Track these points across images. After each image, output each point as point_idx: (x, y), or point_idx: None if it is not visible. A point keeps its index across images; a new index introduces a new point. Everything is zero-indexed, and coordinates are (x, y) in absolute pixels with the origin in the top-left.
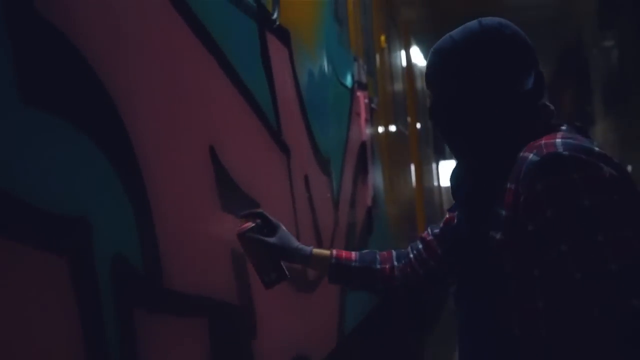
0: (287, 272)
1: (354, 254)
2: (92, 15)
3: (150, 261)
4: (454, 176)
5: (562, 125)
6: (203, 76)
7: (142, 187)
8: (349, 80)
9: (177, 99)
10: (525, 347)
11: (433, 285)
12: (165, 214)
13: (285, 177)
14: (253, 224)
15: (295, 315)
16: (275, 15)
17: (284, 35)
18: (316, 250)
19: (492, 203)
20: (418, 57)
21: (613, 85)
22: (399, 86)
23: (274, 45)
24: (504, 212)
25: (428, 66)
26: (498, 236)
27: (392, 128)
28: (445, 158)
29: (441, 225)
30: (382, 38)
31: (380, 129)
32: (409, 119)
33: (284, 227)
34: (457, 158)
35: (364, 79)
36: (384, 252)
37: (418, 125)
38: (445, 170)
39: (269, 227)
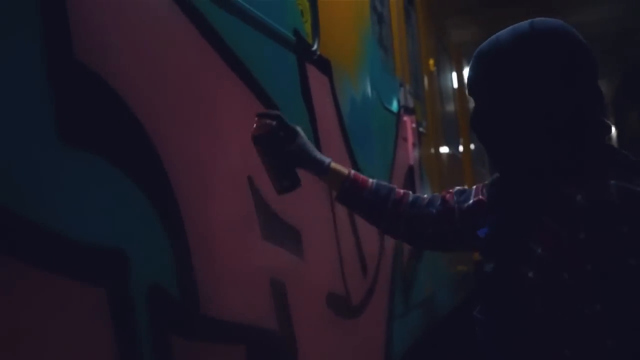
0: (298, 179)
1: (370, 182)
2: (131, 59)
3: (187, 290)
4: (492, 190)
5: (616, 156)
6: (240, 109)
7: (179, 218)
8: (394, 106)
9: (214, 133)
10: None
11: (435, 246)
12: (202, 244)
13: (327, 203)
14: (269, 126)
15: (337, 341)
16: (315, 47)
17: (324, 65)
18: (334, 165)
19: (525, 236)
20: None
21: None
22: (450, 108)
23: (314, 75)
24: (539, 250)
25: (470, 70)
26: (531, 274)
27: (443, 150)
28: None
29: (471, 201)
30: (431, 62)
31: (430, 152)
32: (461, 140)
33: (302, 133)
34: (498, 170)
35: (410, 103)
36: (401, 192)
37: (472, 146)
38: None
39: (287, 131)
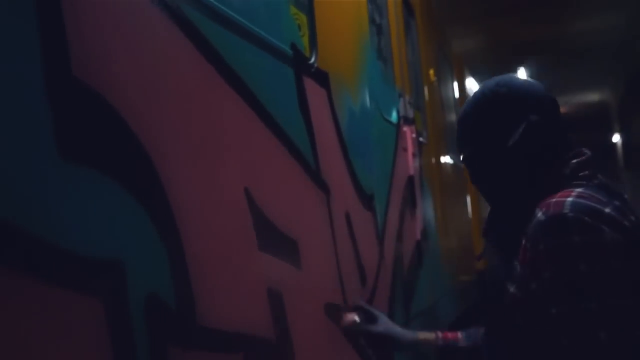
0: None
1: (459, 334)
2: (126, 73)
3: (185, 300)
4: (487, 219)
5: (592, 179)
6: (237, 123)
7: (176, 229)
8: (394, 116)
9: (212, 146)
10: None
11: None
12: (199, 255)
13: (325, 215)
14: (356, 318)
15: (335, 350)
16: (313, 60)
17: (322, 78)
18: (422, 335)
19: (512, 256)
20: (473, 87)
21: None
22: (451, 118)
23: (312, 88)
24: (518, 267)
25: (458, 126)
26: (512, 289)
27: (445, 160)
28: None
29: None
30: (431, 72)
31: (431, 162)
32: None
33: (385, 316)
34: (488, 201)
35: (410, 113)
36: None
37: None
38: None
39: (371, 317)
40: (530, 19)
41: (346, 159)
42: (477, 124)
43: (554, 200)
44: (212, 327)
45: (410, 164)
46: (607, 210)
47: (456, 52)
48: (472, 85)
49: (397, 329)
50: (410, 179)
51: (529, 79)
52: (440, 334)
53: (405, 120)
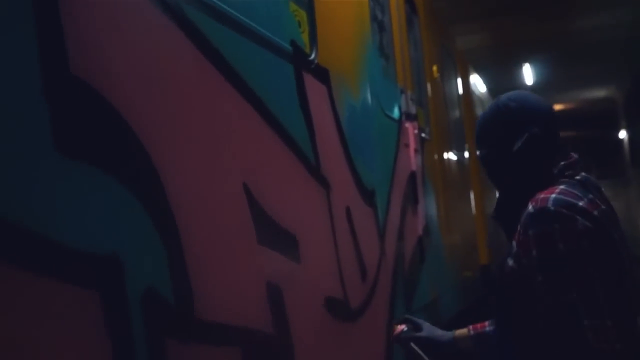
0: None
1: (487, 323)
2: (123, 69)
3: (182, 293)
4: (496, 203)
5: (574, 177)
6: (237, 119)
7: (174, 224)
8: (395, 112)
9: (210, 141)
10: (530, 357)
11: None
12: (197, 249)
13: (325, 209)
14: (404, 327)
15: (336, 344)
16: (313, 56)
17: (322, 75)
18: (457, 332)
19: (512, 238)
20: (478, 84)
21: None
22: (455, 114)
23: (312, 85)
24: (515, 246)
25: (478, 128)
26: (510, 263)
27: (448, 156)
28: None
29: None
30: (435, 68)
31: (434, 158)
32: (467, 146)
33: (427, 323)
34: (498, 190)
35: (413, 110)
36: None
37: (478, 153)
38: None
39: (416, 326)
40: (536, 16)
41: (347, 155)
42: (491, 130)
43: (541, 196)
44: (211, 321)
45: (413, 160)
46: (580, 203)
47: (460, 49)
48: (476, 82)
49: (438, 332)
50: (412, 175)
51: (538, 97)
52: (471, 327)
53: (407, 116)
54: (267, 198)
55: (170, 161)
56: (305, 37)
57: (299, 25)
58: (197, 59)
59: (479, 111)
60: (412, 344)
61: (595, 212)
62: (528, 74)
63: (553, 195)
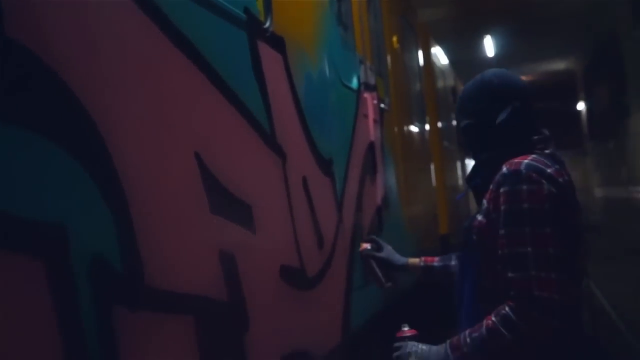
0: (393, 277)
1: (436, 258)
2: (64, 29)
3: (131, 262)
4: (470, 172)
5: (544, 150)
6: (188, 87)
7: (122, 193)
8: (354, 83)
9: (160, 109)
10: (489, 295)
11: None
12: (146, 217)
13: (281, 178)
14: (369, 245)
15: (291, 312)
16: (267, 24)
17: (277, 43)
18: (411, 260)
19: (484, 196)
20: (440, 57)
21: None
22: (416, 86)
23: (267, 53)
24: (485, 204)
25: (459, 101)
26: (479, 218)
27: (408, 128)
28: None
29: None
30: (395, 39)
31: (394, 129)
32: (428, 118)
33: (389, 247)
34: (474, 160)
35: (372, 80)
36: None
37: (439, 124)
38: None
39: (379, 246)
40: None
41: (303, 124)
42: (475, 102)
43: (515, 160)
44: (162, 289)
45: (371, 130)
46: (548, 170)
47: (421, 21)
48: (438, 53)
49: (395, 256)
50: (371, 146)
51: (517, 75)
52: (423, 258)
53: (366, 86)
54: (220, 167)
55: (118, 128)
56: (259, 5)
57: None
58: (146, 26)
59: (441, 83)
60: (372, 261)
61: (560, 180)
62: (489, 45)
63: (526, 161)
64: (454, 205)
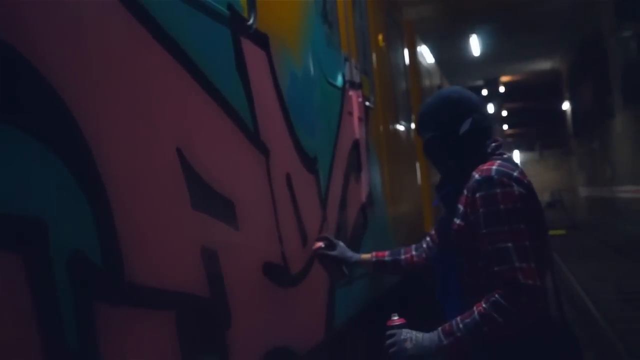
0: (346, 273)
1: (387, 252)
2: (46, 26)
3: (111, 257)
4: (438, 182)
5: (503, 155)
6: (170, 83)
7: (102, 188)
8: (339, 80)
9: (139, 104)
10: (472, 289)
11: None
12: (127, 212)
13: (264, 175)
14: (322, 244)
15: (273, 308)
16: (251, 21)
17: (261, 40)
18: (363, 256)
19: (457, 200)
20: (426, 55)
21: (632, 76)
22: (401, 84)
23: (250, 50)
24: (461, 208)
25: (420, 117)
26: (457, 221)
27: (394, 126)
28: None
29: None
30: (380, 37)
31: (379, 127)
32: (414, 117)
33: (342, 244)
34: (439, 172)
35: (357, 78)
36: (407, 247)
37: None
38: None
39: (332, 244)
40: None
41: (287, 122)
42: (436, 117)
43: (485, 167)
44: (142, 284)
45: (356, 128)
46: (515, 174)
47: (408, 20)
48: (424, 52)
49: (348, 253)
50: (356, 144)
51: (469, 91)
52: (374, 254)
53: (351, 84)
54: (202, 164)
55: (99, 124)
56: (243, 2)
57: None
58: (128, 22)
59: (427, 82)
60: (325, 260)
61: (525, 181)
62: (475, 45)
63: (494, 167)
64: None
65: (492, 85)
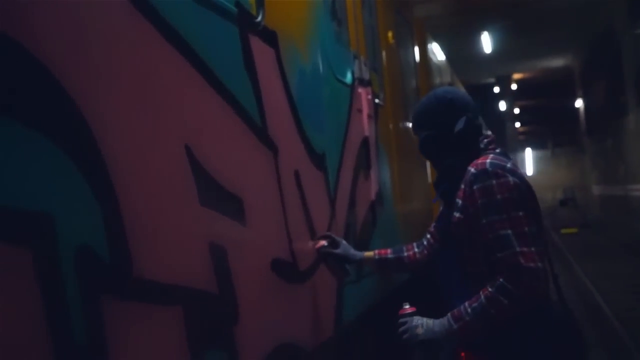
0: (349, 271)
1: (389, 250)
2: (54, 23)
3: (119, 252)
4: (436, 179)
5: (495, 150)
6: (178, 80)
7: (110, 184)
8: (348, 78)
9: (148, 102)
10: (475, 278)
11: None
12: (135, 208)
13: (272, 172)
14: (325, 242)
15: (281, 305)
16: (259, 18)
17: (270, 37)
18: (366, 254)
19: (455, 196)
20: (437, 53)
21: None
22: (411, 82)
23: (258, 47)
24: (460, 202)
25: (415, 116)
26: (457, 215)
27: (403, 123)
28: None
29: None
30: (390, 35)
31: (388, 125)
32: None
33: (345, 242)
34: (435, 169)
35: (366, 75)
36: (408, 244)
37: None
38: None
39: (335, 242)
40: None
41: (295, 119)
42: (431, 116)
43: (479, 161)
44: (150, 280)
45: (365, 125)
46: (508, 165)
47: (418, 17)
48: (435, 49)
49: (351, 251)
50: (365, 141)
51: (462, 90)
52: (377, 252)
53: (360, 81)
54: (210, 160)
55: (108, 121)
56: None
57: None
58: (136, 19)
59: (437, 80)
60: (329, 259)
61: (518, 172)
62: (486, 42)
63: (488, 160)
64: None
65: (504, 82)
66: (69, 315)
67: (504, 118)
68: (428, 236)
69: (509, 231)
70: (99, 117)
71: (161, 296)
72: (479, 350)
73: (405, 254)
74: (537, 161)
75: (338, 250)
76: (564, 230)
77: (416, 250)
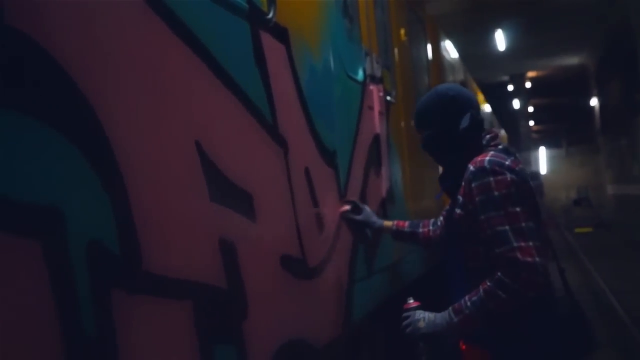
0: (369, 236)
1: (407, 223)
2: (66, 21)
3: (129, 246)
4: (440, 175)
5: (497, 146)
6: (188, 76)
7: (120, 179)
8: (359, 75)
9: (157, 96)
10: (477, 273)
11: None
12: (145, 204)
13: (282, 169)
14: (349, 207)
15: (291, 301)
16: (270, 15)
17: (281, 34)
18: (385, 223)
19: (457, 192)
20: (450, 50)
21: None
22: (424, 79)
23: (269, 44)
24: (460, 199)
25: (417, 114)
26: (458, 211)
27: None
28: None
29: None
30: (402, 32)
31: (400, 122)
32: None
33: (368, 209)
34: (440, 164)
35: (378, 72)
36: (425, 220)
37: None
38: None
39: (358, 209)
40: None
41: (306, 115)
42: (434, 114)
43: (479, 159)
44: (160, 274)
45: (377, 122)
46: (507, 162)
47: (431, 15)
48: (448, 47)
49: (372, 218)
50: (377, 138)
51: (464, 87)
52: (395, 222)
53: (372, 79)
54: (221, 156)
55: (118, 117)
56: None
57: None
58: (147, 15)
59: (450, 77)
60: (351, 223)
61: (517, 168)
62: (500, 39)
63: (487, 158)
64: None
65: (518, 80)
66: (79, 309)
67: (517, 116)
68: (441, 218)
69: (507, 227)
70: (110, 112)
71: (171, 291)
72: (481, 344)
73: (420, 230)
74: (551, 160)
75: (360, 217)
76: (578, 230)
77: (431, 228)
